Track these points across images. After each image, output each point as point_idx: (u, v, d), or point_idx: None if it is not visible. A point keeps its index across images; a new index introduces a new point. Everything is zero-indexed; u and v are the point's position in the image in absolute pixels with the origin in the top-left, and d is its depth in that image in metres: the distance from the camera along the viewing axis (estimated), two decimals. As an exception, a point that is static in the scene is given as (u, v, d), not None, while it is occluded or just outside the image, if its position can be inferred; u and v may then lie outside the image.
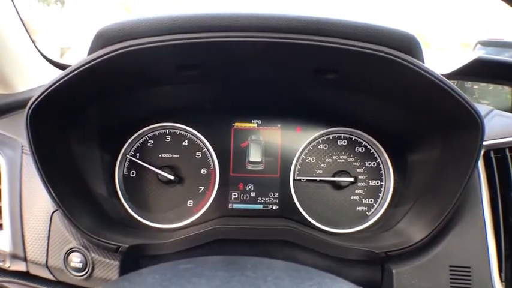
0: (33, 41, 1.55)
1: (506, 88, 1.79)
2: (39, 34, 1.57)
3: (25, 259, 1.12)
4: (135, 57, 0.93)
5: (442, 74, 0.93)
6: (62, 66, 1.67)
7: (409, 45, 0.91)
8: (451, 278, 1.05)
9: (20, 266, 1.13)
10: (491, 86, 2.17)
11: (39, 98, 0.96)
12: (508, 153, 1.12)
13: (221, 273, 0.64)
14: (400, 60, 0.89)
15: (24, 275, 1.16)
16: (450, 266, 1.05)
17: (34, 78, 1.50)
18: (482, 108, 1.27)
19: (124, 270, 1.09)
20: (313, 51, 0.93)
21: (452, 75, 1.53)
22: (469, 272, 1.05)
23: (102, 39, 0.92)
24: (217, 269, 0.68)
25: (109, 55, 0.90)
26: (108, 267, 1.09)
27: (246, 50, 0.96)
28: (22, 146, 1.21)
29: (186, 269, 0.67)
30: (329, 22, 0.88)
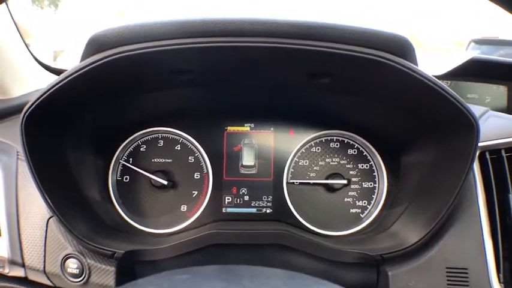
0: (27, 46, 1.54)
1: (501, 88, 1.80)
2: (33, 37, 1.57)
3: (23, 265, 1.12)
4: (130, 62, 0.93)
5: (436, 75, 0.93)
6: (56, 71, 1.66)
7: (402, 49, 0.91)
8: (447, 280, 1.04)
9: (19, 272, 1.14)
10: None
11: (34, 104, 0.95)
12: (503, 154, 1.12)
13: (218, 284, 0.63)
14: (395, 64, 0.89)
15: (23, 281, 1.16)
16: (447, 268, 1.05)
17: (28, 83, 1.49)
18: (477, 109, 1.27)
19: (120, 275, 1.09)
20: (308, 55, 0.92)
21: (446, 76, 1.53)
22: (466, 273, 1.04)
23: (95, 45, 0.91)
24: (214, 279, 0.67)
25: (104, 60, 0.90)
26: (104, 273, 1.09)
27: (239, 55, 0.96)
28: (17, 152, 1.20)
29: (182, 279, 0.65)
30: (324, 26, 0.88)
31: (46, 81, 1.61)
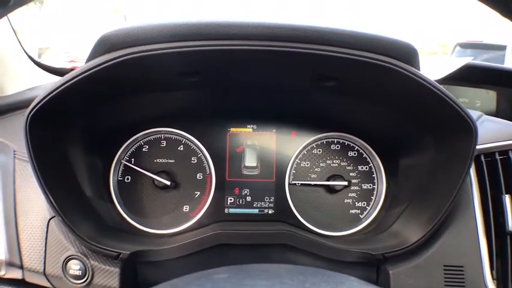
0: (21, 43, 1.53)
1: (491, 92, 1.86)
2: (18, 34, 1.55)
3: (21, 267, 1.10)
4: (140, 63, 0.93)
5: (434, 80, 0.96)
6: (50, 70, 1.65)
7: (408, 55, 0.94)
8: (445, 277, 1.08)
9: (16, 274, 1.11)
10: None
11: (41, 103, 0.94)
12: (497, 157, 1.16)
13: (260, 282, 0.64)
14: (402, 70, 0.92)
15: (20, 283, 1.13)
16: (444, 266, 1.09)
17: (22, 81, 1.48)
18: (472, 113, 1.32)
19: (124, 277, 1.09)
20: (317, 60, 0.94)
21: (442, 81, 1.58)
22: (462, 271, 1.08)
23: (106, 45, 0.91)
24: (255, 277, 0.67)
25: (116, 61, 0.90)
26: (108, 275, 1.08)
27: (249, 58, 0.97)
28: (14, 151, 1.18)
29: (222, 278, 0.66)
30: (334, 32, 0.90)
31: (40, 79, 1.60)
